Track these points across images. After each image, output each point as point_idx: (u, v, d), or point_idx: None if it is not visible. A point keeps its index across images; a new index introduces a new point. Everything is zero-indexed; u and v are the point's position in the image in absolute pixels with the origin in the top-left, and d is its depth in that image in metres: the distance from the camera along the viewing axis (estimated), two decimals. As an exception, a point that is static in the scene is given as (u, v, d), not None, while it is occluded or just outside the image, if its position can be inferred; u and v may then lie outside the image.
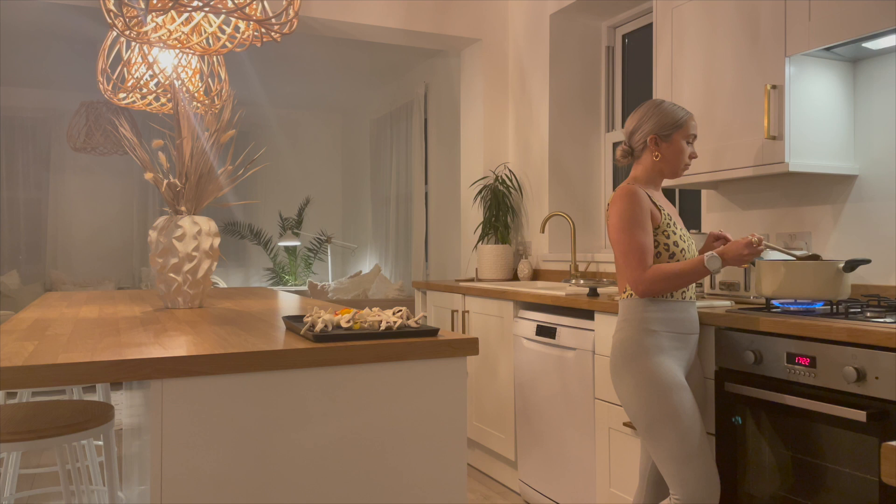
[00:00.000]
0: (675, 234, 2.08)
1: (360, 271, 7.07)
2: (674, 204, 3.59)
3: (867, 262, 2.04)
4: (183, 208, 2.41)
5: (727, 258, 2.00)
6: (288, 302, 2.76)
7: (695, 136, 2.14)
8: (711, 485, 1.98)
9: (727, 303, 2.39)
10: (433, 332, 1.62)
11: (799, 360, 1.88)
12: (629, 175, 2.19)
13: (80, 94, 7.24)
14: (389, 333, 1.58)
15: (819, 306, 2.12)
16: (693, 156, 2.14)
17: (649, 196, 2.09)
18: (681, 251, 2.08)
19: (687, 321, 2.07)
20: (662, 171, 2.14)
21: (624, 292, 2.11)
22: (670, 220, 2.11)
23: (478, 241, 4.31)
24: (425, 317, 4.01)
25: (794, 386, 1.90)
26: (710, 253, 1.99)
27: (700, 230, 3.00)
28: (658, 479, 2.19)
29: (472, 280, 4.23)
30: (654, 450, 2.01)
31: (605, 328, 2.64)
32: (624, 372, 2.05)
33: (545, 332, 2.99)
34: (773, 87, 2.30)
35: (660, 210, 2.09)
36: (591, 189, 4.13)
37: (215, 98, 2.93)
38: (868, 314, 1.95)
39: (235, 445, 1.41)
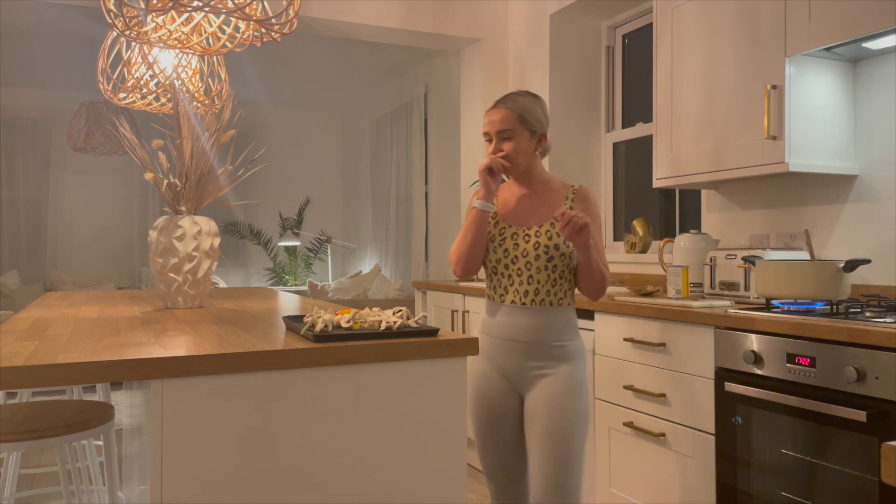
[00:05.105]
0: None
1: (360, 271, 7.07)
2: (674, 204, 3.59)
3: (867, 262, 2.04)
4: (183, 208, 2.41)
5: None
6: (288, 302, 2.76)
7: (487, 134, 2.08)
8: None
9: (727, 303, 2.39)
10: (433, 332, 1.61)
11: (799, 360, 1.88)
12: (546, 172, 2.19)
13: (80, 94, 7.23)
14: (389, 333, 1.58)
15: (819, 306, 2.12)
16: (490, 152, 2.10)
17: None
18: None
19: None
20: None
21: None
22: None
23: (478, 241, 4.30)
24: (425, 317, 4.01)
25: (794, 386, 1.90)
26: None
27: (700, 230, 2.99)
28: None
29: (472, 280, 4.23)
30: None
31: (605, 328, 2.64)
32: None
33: (545, 332, 2.98)
34: (773, 87, 2.30)
35: None
36: (591, 189, 4.13)
37: (215, 98, 2.93)
38: (868, 314, 1.95)
39: (235, 445, 1.40)
